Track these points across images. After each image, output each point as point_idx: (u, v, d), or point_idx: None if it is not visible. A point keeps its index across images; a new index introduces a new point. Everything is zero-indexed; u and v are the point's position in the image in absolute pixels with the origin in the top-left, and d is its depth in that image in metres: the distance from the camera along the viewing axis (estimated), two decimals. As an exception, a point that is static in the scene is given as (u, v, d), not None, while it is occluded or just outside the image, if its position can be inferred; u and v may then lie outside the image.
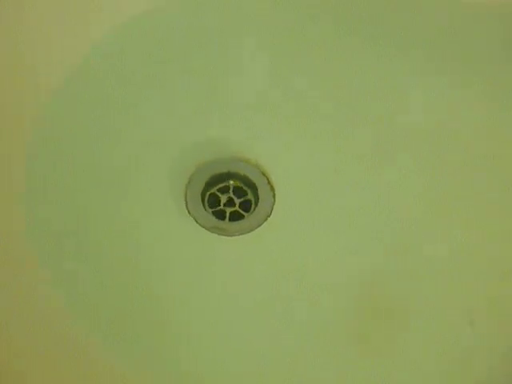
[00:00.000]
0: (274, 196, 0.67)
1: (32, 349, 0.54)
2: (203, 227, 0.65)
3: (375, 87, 0.72)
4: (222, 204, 0.68)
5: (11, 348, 0.54)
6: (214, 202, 0.68)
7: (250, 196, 0.68)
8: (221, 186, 0.68)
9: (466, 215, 0.68)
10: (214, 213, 0.67)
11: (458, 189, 0.69)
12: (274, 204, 0.67)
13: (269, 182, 0.68)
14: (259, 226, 0.66)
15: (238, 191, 0.68)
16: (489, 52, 0.71)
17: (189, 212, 0.66)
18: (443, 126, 0.71)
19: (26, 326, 0.55)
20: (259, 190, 0.67)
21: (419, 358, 0.61)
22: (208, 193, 0.68)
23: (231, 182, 0.68)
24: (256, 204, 0.67)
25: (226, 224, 0.66)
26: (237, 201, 0.68)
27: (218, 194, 0.68)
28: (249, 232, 0.66)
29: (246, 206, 0.68)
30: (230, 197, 0.68)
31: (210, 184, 0.68)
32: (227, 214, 0.67)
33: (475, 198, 0.68)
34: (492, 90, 0.71)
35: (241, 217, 0.67)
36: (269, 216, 0.66)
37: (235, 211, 0.67)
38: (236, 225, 0.66)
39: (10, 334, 0.54)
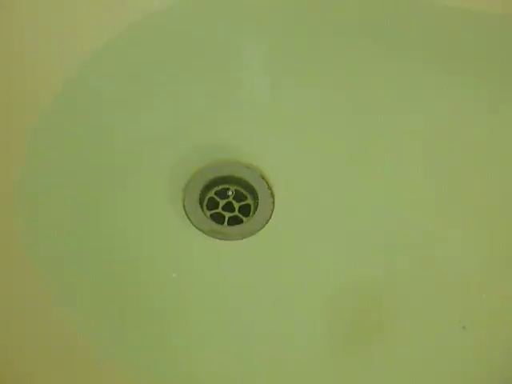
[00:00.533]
0: (273, 202, 0.67)
1: (32, 350, 0.54)
2: (201, 231, 0.65)
3: (376, 92, 0.72)
4: (220, 208, 0.67)
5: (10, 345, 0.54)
6: (212, 205, 0.67)
7: (249, 200, 0.68)
8: (220, 189, 0.68)
9: (465, 215, 0.68)
10: (212, 216, 0.66)
11: (458, 189, 0.69)
12: (273, 209, 0.66)
13: (269, 187, 0.67)
14: (258, 230, 0.66)
15: (238, 195, 0.68)
16: (489, 54, 0.71)
17: (187, 215, 0.65)
18: (444, 126, 0.71)
19: (26, 328, 0.54)
20: (259, 195, 0.67)
21: (413, 365, 0.61)
22: (207, 196, 0.67)
23: (231, 187, 0.68)
24: (255, 209, 0.67)
25: (224, 228, 0.66)
26: (236, 205, 0.67)
27: (217, 197, 0.67)
28: (248, 237, 0.65)
29: (245, 211, 0.67)
30: (230, 201, 0.67)
31: (208, 187, 0.67)
32: (226, 218, 0.67)
33: (475, 199, 0.68)
34: (492, 91, 0.71)
35: (240, 221, 0.67)
36: (268, 221, 0.66)
37: (234, 215, 0.67)
38: (235, 229, 0.66)
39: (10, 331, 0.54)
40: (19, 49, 0.62)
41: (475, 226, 0.67)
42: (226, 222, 0.66)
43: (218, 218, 0.67)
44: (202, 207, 0.66)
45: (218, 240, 0.65)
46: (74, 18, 0.64)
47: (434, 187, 0.69)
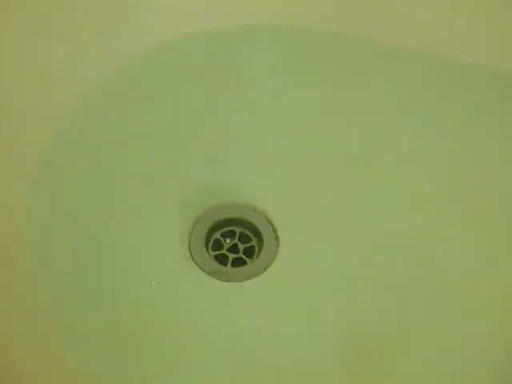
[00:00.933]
0: (278, 244, 0.67)
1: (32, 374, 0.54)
2: (205, 272, 0.65)
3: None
4: (224, 249, 0.67)
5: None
6: (217, 246, 0.68)
7: (253, 242, 0.68)
8: (225, 231, 0.68)
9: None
10: (216, 257, 0.67)
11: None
12: (277, 252, 0.67)
13: (274, 230, 0.68)
14: (261, 273, 0.66)
15: (243, 237, 0.68)
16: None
17: (192, 256, 0.66)
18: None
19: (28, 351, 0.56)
20: (264, 238, 0.67)
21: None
22: (212, 237, 0.68)
23: (236, 229, 0.68)
24: (259, 251, 0.67)
25: (228, 269, 0.66)
26: (241, 246, 0.68)
27: (222, 239, 0.68)
28: (250, 278, 0.66)
29: (249, 252, 0.68)
30: (235, 242, 0.68)
31: (214, 229, 0.68)
32: (230, 260, 0.67)
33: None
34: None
35: (243, 263, 0.67)
36: (271, 264, 0.66)
37: (238, 257, 0.67)
38: (238, 271, 0.66)
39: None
40: (16, 90, 0.64)
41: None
42: (229, 264, 0.67)
43: (222, 259, 0.67)
44: (207, 248, 0.67)
45: (220, 281, 0.65)
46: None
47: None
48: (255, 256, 0.67)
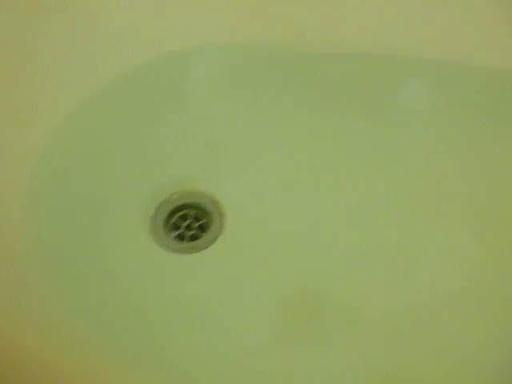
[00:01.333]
0: (224, 219, 0.83)
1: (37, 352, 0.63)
2: (167, 249, 0.82)
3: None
4: (182, 228, 0.84)
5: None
6: (175, 227, 0.84)
7: (204, 220, 0.84)
8: (181, 214, 0.84)
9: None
10: (175, 236, 0.83)
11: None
12: (224, 226, 0.83)
13: (219, 209, 0.84)
14: (212, 243, 0.82)
15: (196, 217, 0.84)
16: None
17: (155, 237, 0.82)
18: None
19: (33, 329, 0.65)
20: (211, 215, 0.83)
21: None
22: (171, 220, 0.84)
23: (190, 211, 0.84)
24: (210, 226, 0.83)
25: (186, 244, 0.83)
26: (195, 225, 0.84)
27: (179, 220, 0.84)
28: (205, 249, 0.82)
29: (203, 228, 0.84)
30: (190, 222, 0.84)
31: (172, 213, 0.84)
32: (187, 236, 0.83)
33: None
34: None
35: (199, 237, 0.83)
36: (219, 236, 0.82)
37: (194, 233, 0.83)
38: (194, 244, 0.83)
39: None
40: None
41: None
42: (186, 240, 0.83)
43: (180, 237, 0.83)
44: (166, 228, 0.83)
45: (178, 254, 0.81)
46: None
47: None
48: (207, 231, 0.83)
